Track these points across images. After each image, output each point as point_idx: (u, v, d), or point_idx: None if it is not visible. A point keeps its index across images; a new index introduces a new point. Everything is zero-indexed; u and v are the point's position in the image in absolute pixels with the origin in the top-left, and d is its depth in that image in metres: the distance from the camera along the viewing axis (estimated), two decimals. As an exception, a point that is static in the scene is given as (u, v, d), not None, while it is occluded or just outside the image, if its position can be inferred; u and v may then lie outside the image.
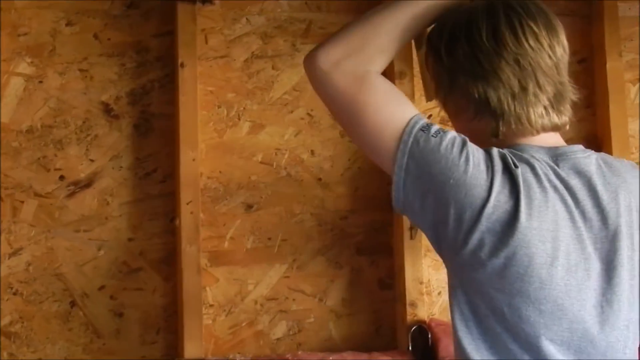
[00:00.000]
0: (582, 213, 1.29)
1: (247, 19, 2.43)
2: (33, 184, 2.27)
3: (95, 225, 2.30)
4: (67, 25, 2.33)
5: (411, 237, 2.38)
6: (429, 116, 2.49)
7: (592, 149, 1.42)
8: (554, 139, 1.38)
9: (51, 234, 2.27)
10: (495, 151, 1.28)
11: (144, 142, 2.35)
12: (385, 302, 2.44)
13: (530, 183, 1.26)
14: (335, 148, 2.45)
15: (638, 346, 1.34)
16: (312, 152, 2.43)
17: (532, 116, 1.33)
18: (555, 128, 1.37)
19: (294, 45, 2.45)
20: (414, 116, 1.29)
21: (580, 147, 1.38)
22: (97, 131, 2.32)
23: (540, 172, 1.28)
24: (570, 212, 1.28)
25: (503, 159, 1.27)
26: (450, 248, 1.27)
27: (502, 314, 1.25)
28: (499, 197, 1.23)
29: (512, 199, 1.23)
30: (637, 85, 2.60)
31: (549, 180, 1.28)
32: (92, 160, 2.32)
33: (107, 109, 2.33)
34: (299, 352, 2.33)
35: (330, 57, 1.33)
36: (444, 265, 2.35)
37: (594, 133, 2.55)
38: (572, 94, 1.38)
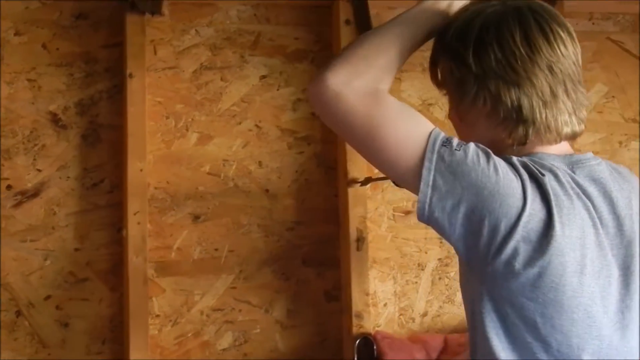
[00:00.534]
0: (600, 220, 1.30)
1: (196, 30, 2.44)
2: (-21, 194, 2.27)
3: (41, 235, 2.31)
4: (15, 34, 2.33)
5: (358, 249, 2.39)
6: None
7: None
8: (566, 147, 1.38)
9: (-3, 244, 2.28)
10: (515, 160, 1.28)
11: (91, 152, 2.35)
12: (331, 313, 2.45)
13: (556, 191, 1.25)
14: (282, 160, 2.46)
15: None
16: (260, 164, 2.44)
17: (560, 124, 1.33)
18: (574, 136, 1.37)
19: (242, 56, 2.46)
20: (432, 131, 1.28)
21: (591, 154, 1.38)
22: (44, 141, 2.33)
23: (563, 179, 1.28)
24: (592, 219, 1.28)
25: (525, 167, 1.27)
26: (482, 259, 1.25)
27: (534, 323, 1.25)
28: (533, 206, 1.23)
29: (544, 207, 1.23)
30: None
31: (572, 188, 1.28)
32: (39, 170, 2.32)
33: (55, 119, 2.34)
34: (245, 363, 2.35)
35: (340, 77, 1.30)
36: (390, 276, 2.40)
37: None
38: (585, 100, 1.38)
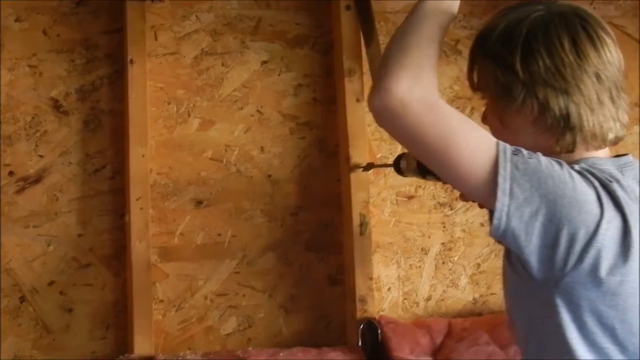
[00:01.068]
0: None
1: (196, 16, 2.44)
2: (-19, 180, 2.28)
3: (44, 221, 2.31)
4: (16, 21, 2.33)
5: (361, 234, 2.39)
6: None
7: None
8: (608, 150, 1.37)
9: (0, 230, 2.27)
10: (578, 167, 1.26)
11: (93, 138, 2.35)
12: (334, 298, 2.45)
13: (624, 197, 1.24)
14: (284, 145, 2.46)
15: None
16: (262, 149, 2.44)
17: (605, 130, 1.31)
18: (617, 141, 1.36)
19: (243, 42, 2.46)
20: (497, 140, 1.25)
21: (630, 156, 1.38)
22: (46, 127, 2.33)
23: (624, 184, 1.27)
24: None
25: (592, 174, 1.25)
26: (559, 269, 1.22)
27: (613, 329, 1.24)
28: (609, 213, 1.21)
29: (618, 214, 1.22)
30: None
31: (632, 192, 1.27)
32: (41, 156, 2.32)
33: (56, 105, 2.34)
34: (249, 348, 2.34)
35: (403, 84, 1.25)
36: (393, 261, 2.39)
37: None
38: (627, 105, 1.37)
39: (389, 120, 1.28)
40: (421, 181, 2.51)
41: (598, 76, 1.29)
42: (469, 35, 2.60)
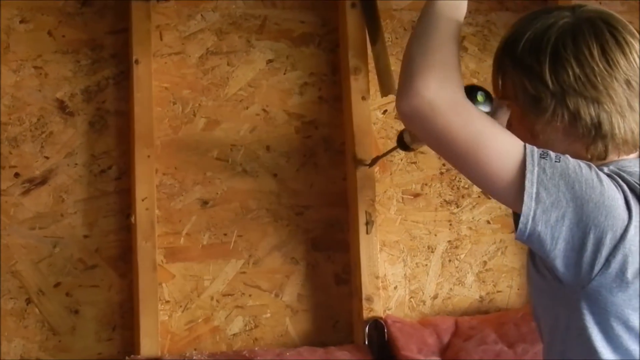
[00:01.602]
0: None
1: (201, 15, 2.43)
2: (-13, 182, 2.27)
3: (50, 223, 2.31)
4: (21, 22, 2.33)
5: (367, 232, 2.39)
6: (384, 111, 2.50)
7: None
8: (637, 152, 1.36)
9: (6, 232, 2.27)
10: (607, 170, 1.26)
11: (99, 139, 2.35)
12: (341, 297, 2.45)
13: None
14: (290, 144, 2.45)
15: None
16: (268, 148, 2.44)
17: (636, 135, 1.30)
18: None
19: (248, 41, 2.46)
20: (524, 143, 1.25)
21: None
22: (52, 128, 2.33)
23: None
24: None
25: (622, 178, 1.25)
26: (585, 274, 1.21)
27: (638, 333, 1.24)
28: (638, 218, 1.20)
29: None
30: None
31: None
32: (47, 158, 2.32)
33: (61, 106, 2.33)
34: (256, 349, 2.34)
35: (432, 85, 1.25)
36: (400, 259, 2.39)
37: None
38: None
39: (419, 123, 1.28)
40: (427, 179, 2.51)
41: (628, 82, 1.28)
42: (475, 32, 2.60)
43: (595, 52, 1.27)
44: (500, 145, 1.24)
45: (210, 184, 2.40)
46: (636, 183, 1.25)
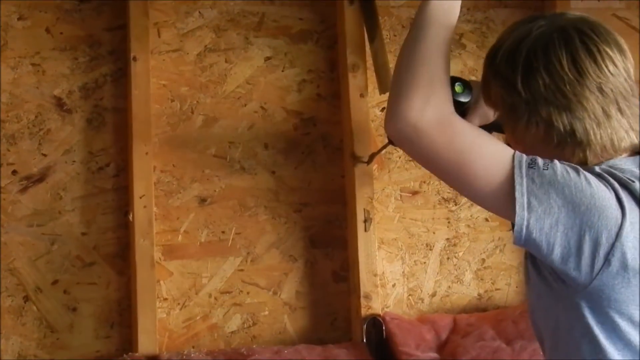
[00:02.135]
0: None
1: (199, 12, 2.43)
2: (-15, 179, 2.27)
3: (48, 220, 2.30)
4: (19, 19, 2.32)
5: (365, 230, 2.39)
6: (382, 109, 2.50)
7: None
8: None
9: (4, 229, 2.26)
10: (599, 169, 1.27)
11: (96, 136, 2.34)
12: (339, 294, 2.45)
13: None
14: (288, 141, 2.45)
15: None
16: (266, 145, 2.44)
17: (616, 142, 1.31)
18: (634, 148, 1.35)
19: (247, 38, 2.45)
20: (514, 153, 1.27)
21: None
22: (49, 125, 2.32)
23: None
24: None
25: (612, 175, 1.26)
26: (587, 274, 1.23)
27: None
28: (632, 214, 1.22)
29: None
30: None
31: None
32: (44, 155, 2.31)
33: (59, 103, 2.33)
34: (254, 346, 2.34)
35: (415, 107, 1.28)
36: (398, 257, 2.39)
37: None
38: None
39: (405, 144, 1.33)
40: (425, 177, 2.51)
41: (601, 90, 1.29)
42: (473, 29, 2.60)
43: (565, 62, 1.29)
44: (486, 161, 1.27)
45: (208, 182, 2.39)
46: (628, 179, 1.25)
